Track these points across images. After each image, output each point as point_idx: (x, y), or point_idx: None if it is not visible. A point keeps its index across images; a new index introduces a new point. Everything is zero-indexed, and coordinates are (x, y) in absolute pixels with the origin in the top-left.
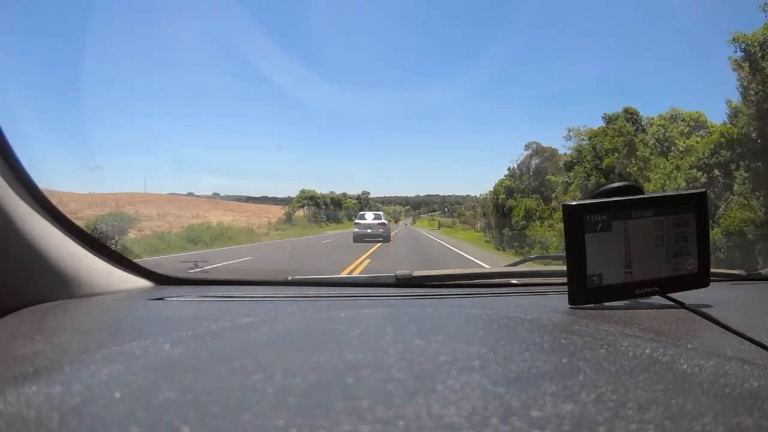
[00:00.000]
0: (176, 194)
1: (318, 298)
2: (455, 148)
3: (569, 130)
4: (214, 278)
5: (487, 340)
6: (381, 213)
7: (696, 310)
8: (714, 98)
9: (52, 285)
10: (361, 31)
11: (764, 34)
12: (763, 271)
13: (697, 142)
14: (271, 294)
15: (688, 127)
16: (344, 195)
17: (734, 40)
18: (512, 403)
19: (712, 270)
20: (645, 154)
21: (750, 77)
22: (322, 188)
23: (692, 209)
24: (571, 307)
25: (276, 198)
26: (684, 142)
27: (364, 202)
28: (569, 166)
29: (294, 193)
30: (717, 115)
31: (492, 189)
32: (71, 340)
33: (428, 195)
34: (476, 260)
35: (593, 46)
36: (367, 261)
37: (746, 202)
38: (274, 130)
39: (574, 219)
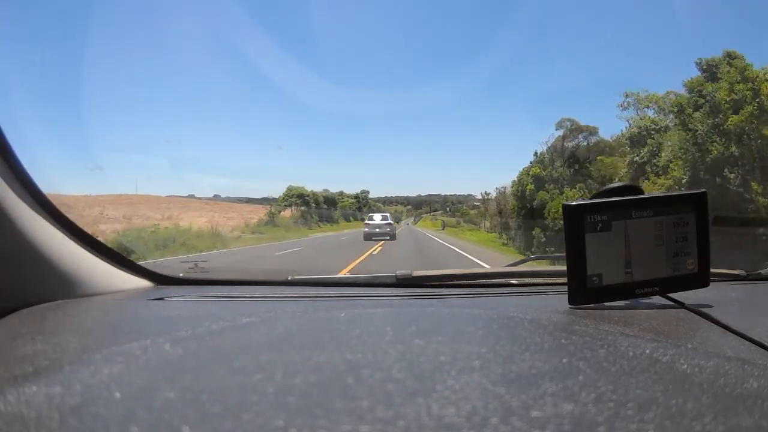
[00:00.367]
0: (176, 196)
1: (318, 298)
2: (456, 148)
3: (626, 96)
4: (214, 278)
5: (487, 340)
6: (388, 215)
7: (696, 310)
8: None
9: (52, 285)
10: (362, 31)
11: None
12: (763, 271)
13: None
14: (271, 294)
15: None
16: (341, 193)
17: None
18: (512, 403)
19: (712, 270)
20: None
21: None
22: (323, 187)
23: (692, 209)
24: (571, 307)
25: (276, 199)
26: None
27: (362, 201)
28: (638, 140)
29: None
30: None
31: (515, 180)
32: (71, 340)
33: (429, 195)
34: None
35: (593, 46)
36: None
37: None
38: (275, 130)
39: (574, 219)
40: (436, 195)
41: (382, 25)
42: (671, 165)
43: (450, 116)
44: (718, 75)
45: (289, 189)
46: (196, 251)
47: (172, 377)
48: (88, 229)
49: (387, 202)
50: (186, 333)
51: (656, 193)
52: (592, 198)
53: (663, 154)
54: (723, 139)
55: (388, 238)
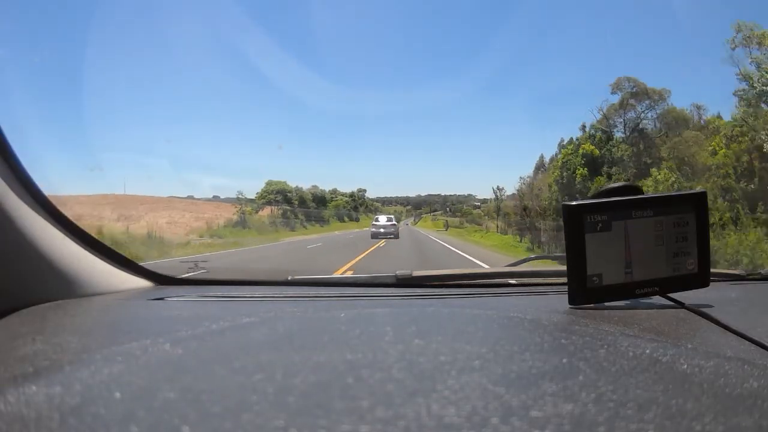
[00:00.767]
0: (176, 197)
1: (318, 298)
2: (456, 148)
3: (739, 30)
4: (214, 278)
5: (487, 340)
6: (392, 216)
7: (696, 310)
8: (715, 97)
9: (52, 285)
10: (362, 31)
11: None
12: (763, 271)
13: None
14: (271, 294)
15: None
16: (334, 191)
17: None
18: (512, 403)
19: (712, 270)
20: None
21: None
22: (318, 185)
23: (692, 209)
24: (571, 307)
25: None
26: None
27: (359, 200)
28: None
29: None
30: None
31: (555, 162)
32: (71, 340)
33: (429, 195)
34: None
35: (593, 45)
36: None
37: None
38: (275, 130)
39: (574, 219)
40: (435, 195)
41: (382, 25)
42: None
43: (450, 116)
44: None
45: (268, 184)
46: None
47: (172, 377)
48: None
49: (386, 202)
50: (186, 333)
51: (657, 193)
52: (591, 198)
53: None
54: None
55: (392, 236)
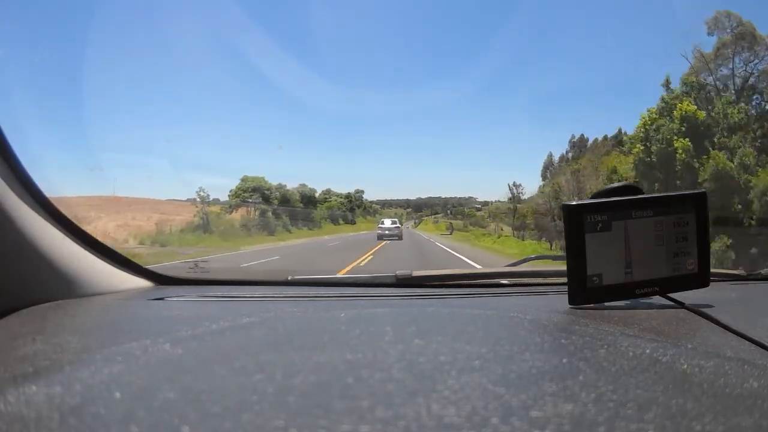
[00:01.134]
0: (176, 200)
1: (318, 298)
2: (457, 150)
3: None
4: (214, 278)
5: (487, 340)
6: (396, 220)
7: (696, 310)
8: None
9: (52, 285)
10: (362, 31)
11: None
12: (763, 271)
13: None
14: (271, 294)
15: None
16: (328, 191)
17: None
18: (512, 403)
19: (712, 270)
20: None
21: None
22: (315, 186)
23: (692, 209)
24: (571, 307)
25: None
26: None
27: (356, 202)
28: None
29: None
30: None
31: (636, 132)
32: (71, 340)
33: (430, 197)
34: None
35: (594, 46)
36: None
37: None
38: (275, 130)
39: (574, 219)
40: (436, 197)
41: (382, 25)
42: None
43: (450, 117)
44: None
45: (244, 180)
46: None
47: (172, 377)
48: None
49: (386, 204)
50: (186, 333)
51: (657, 194)
52: (591, 198)
53: None
54: None
55: (397, 238)
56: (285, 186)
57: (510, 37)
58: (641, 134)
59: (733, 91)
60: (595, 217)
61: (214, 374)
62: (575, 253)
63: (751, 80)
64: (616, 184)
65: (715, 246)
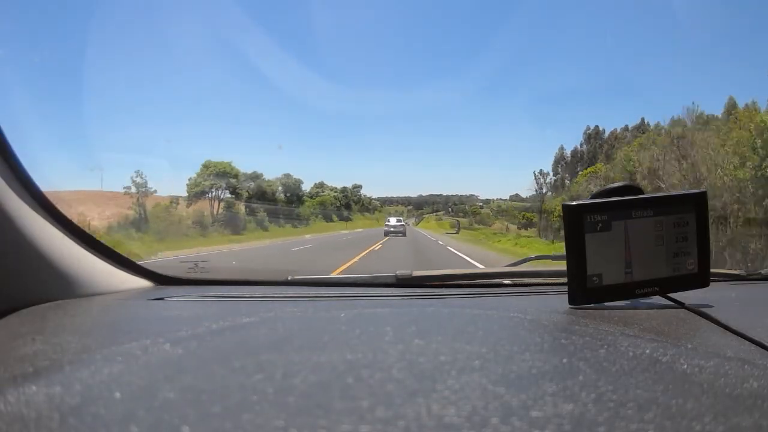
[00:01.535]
0: (177, 196)
1: (318, 298)
2: (458, 148)
3: None
4: (214, 278)
5: (487, 340)
6: (401, 218)
7: (696, 310)
8: (714, 98)
9: (52, 285)
10: (362, 31)
11: None
12: (763, 271)
13: None
14: (271, 294)
15: None
16: (321, 185)
17: None
18: (512, 403)
19: (712, 270)
20: None
21: None
22: (297, 176)
23: (692, 209)
24: (571, 307)
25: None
26: None
27: (353, 198)
28: None
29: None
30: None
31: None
32: (71, 340)
33: (431, 194)
34: None
35: (594, 46)
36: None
37: None
38: (275, 129)
39: (574, 219)
40: (437, 195)
41: (382, 25)
42: None
43: (450, 116)
44: None
45: (206, 166)
46: None
47: (172, 377)
48: None
49: (387, 202)
50: (186, 333)
51: (657, 194)
52: (591, 198)
53: None
54: None
55: (401, 234)
56: (261, 175)
57: (510, 37)
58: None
59: None
60: (595, 217)
61: (214, 374)
62: (575, 253)
63: None
64: (616, 184)
65: None
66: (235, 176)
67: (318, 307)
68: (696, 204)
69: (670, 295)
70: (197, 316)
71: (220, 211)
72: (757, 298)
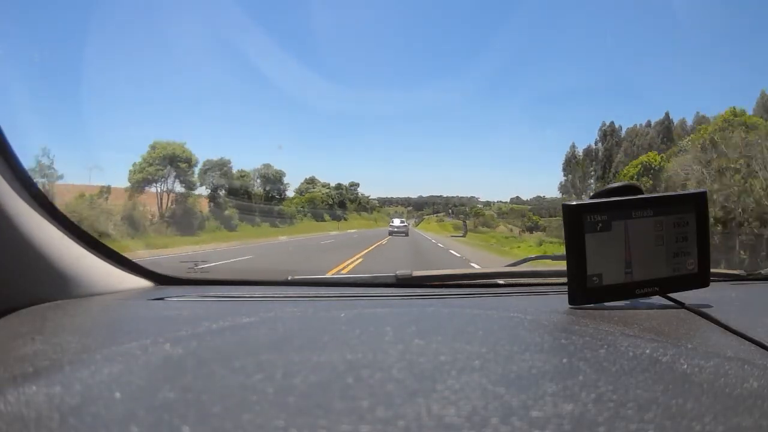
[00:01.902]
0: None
1: (318, 298)
2: (458, 149)
3: None
4: (214, 278)
5: (487, 340)
6: (404, 219)
7: (696, 310)
8: (714, 98)
9: (52, 285)
10: (362, 31)
11: None
12: (763, 271)
13: None
14: (271, 294)
15: None
16: (312, 180)
17: None
18: (512, 403)
19: (712, 270)
20: None
21: None
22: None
23: (692, 209)
24: (571, 307)
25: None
26: None
27: (348, 195)
28: None
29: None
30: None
31: None
32: (71, 340)
33: (431, 196)
34: None
35: (594, 46)
36: None
37: None
38: (275, 129)
39: (574, 219)
40: (437, 196)
41: (382, 25)
42: None
43: (450, 116)
44: None
45: (153, 147)
46: None
47: (172, 377)
48: None
49: (387, 202)
50: (186, 333)
51: (657, 194)
52: (591, 198)
53: None
54: None
55: (404, 234)
56: (229, 162)
57: (510, 37)
58: None
59: None
60: (595, 217)
61: (214, 374)
62: (575, 253)
63: None
64: (616, 184)
65: None
66: (188, 161)
67: (318, 307)
68: (696, 204)
69: (670, 295)
70: (197, 316)
71: (171, 205)
72: (757, 298)
